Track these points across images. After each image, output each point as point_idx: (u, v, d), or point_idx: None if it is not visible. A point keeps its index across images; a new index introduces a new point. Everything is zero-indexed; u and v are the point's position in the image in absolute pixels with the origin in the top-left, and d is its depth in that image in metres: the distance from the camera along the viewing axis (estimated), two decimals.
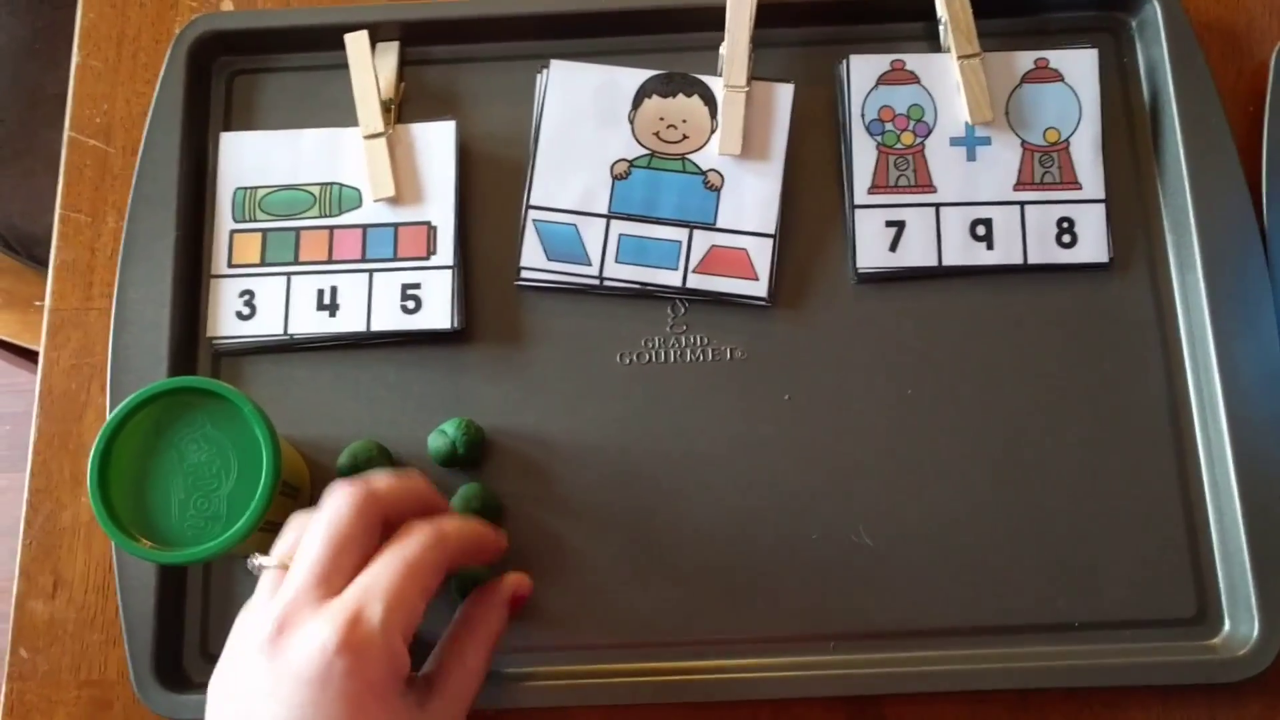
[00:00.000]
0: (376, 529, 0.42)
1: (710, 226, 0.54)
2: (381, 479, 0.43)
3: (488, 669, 0.45)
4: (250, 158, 0.56)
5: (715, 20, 0.55)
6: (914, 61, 0.56)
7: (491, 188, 0.56)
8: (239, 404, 0.45)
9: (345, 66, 0.56)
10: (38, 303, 0.95)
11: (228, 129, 0.57)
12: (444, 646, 0.45)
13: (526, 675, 0.50)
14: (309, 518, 0.42)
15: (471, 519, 0.46)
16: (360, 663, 0.38)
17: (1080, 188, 0.55)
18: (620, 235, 0.54)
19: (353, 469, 0.51)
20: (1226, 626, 0.50)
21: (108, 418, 0.45)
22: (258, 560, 0.42)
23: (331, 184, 0.56)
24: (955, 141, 0.55)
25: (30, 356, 1.02)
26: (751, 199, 0.55)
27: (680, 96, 0.56)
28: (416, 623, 0.41)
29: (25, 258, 0.90)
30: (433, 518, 0.43)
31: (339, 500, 0.41)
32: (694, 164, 0.55)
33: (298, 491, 0.50)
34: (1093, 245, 0.54)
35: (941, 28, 0.56)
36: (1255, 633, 0.49)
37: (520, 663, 0.51)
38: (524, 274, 0.54)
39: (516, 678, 0.50)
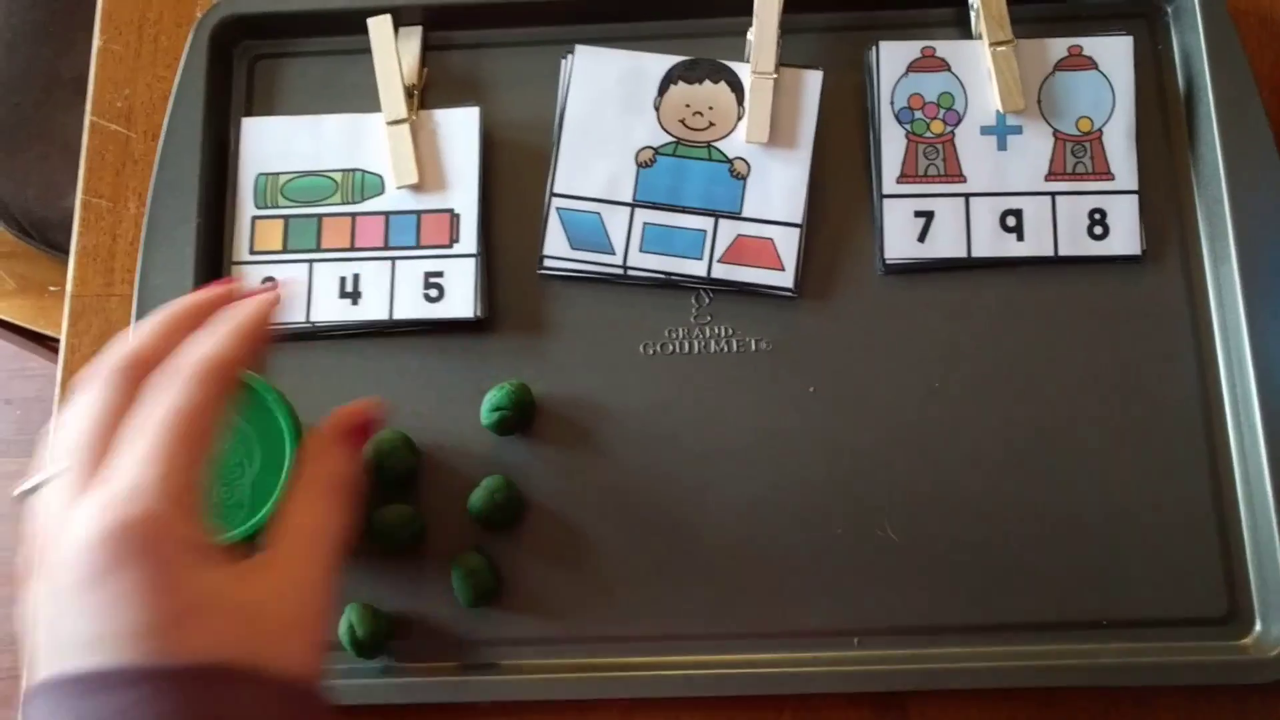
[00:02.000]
0: (131, 395, 0.35)
1: (736, 215, 0.54)
2: (132, 338, 0.37)
3: (337, 523, 0.38)
4: (272, 143, 0.56)
5: (743, 5, 0.54)
6: (945, 48, 0.55)
7: (515, 175, 0.55)
8: (261, 391, 0.44)
9: (368, 51, 0.56)
10: (53, 288, 0.95)
11: (249, 114, 0.57)
12: (277, 513, 0.39)
13: (547, 667, 0.50)
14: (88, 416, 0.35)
15: (239, 311, 0.38)
16: (137, 549, 0.32)
17: (1113, 178, 0.54)
18: (645, 224, 0.54)
19: (377, 459, 0.50)
20: (1258, 627, 0.50)
21: None
22: (22, 486, 0.37)
23: (354, 170, 0.55)
24: (986, 130, 0.54)
25: (42, 341, 1.02)
26: (778, 188, 0.54)
27: (707, 83, 0.55)
28: (196, 478, 0.34)
29: (40, 243, 0.90)
30: (188, 355, 0.36)
31: (90, 378, 0.36)
32: (720, 152, 0.54)
33: None
34: (1125, 237, 0.53)
35: (973, 14, 0.55)
36: None
37: (541, 654, 0.50)
38: (547, 263, 0.54)
39: (537, 670, 0.50)
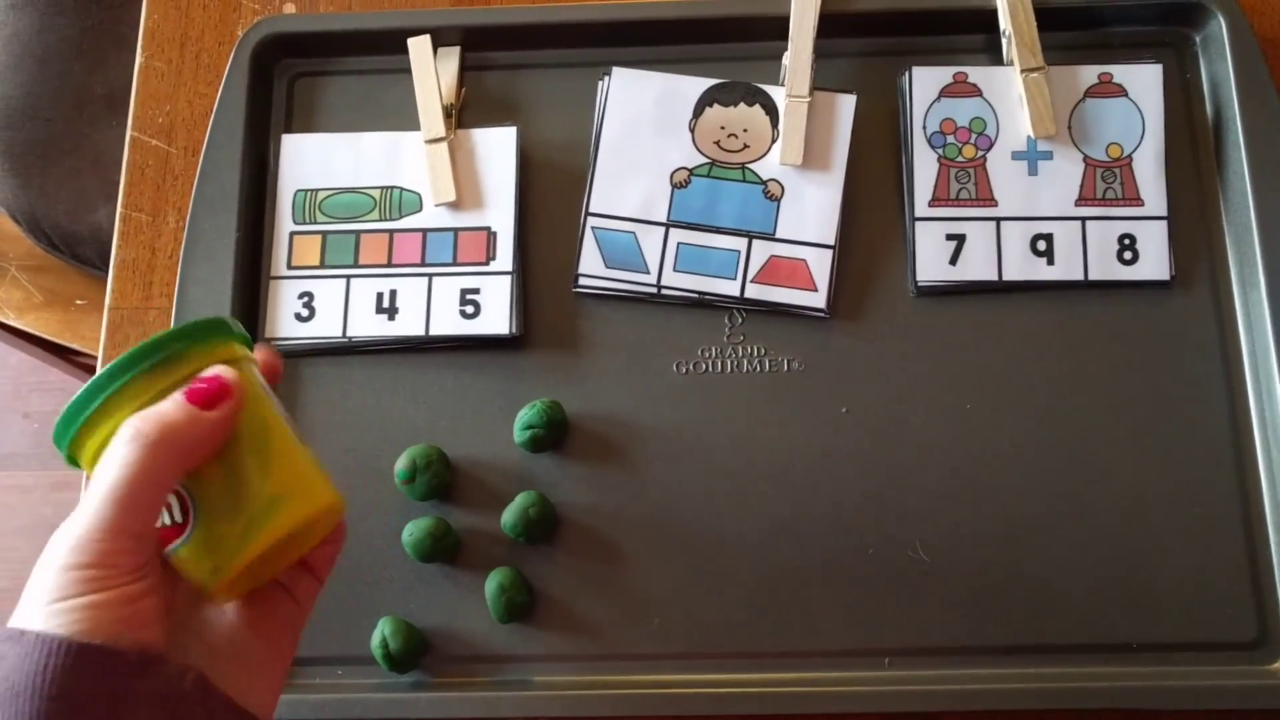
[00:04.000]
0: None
1: (770, 236, 0.54)
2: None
3: (146, 465, 0.35)
4: (311, 160, 0.56)
5: (778, 30, 0.55)
6: (977, 74, 0.56)
7: (551, 194, 0.56)
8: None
9: (407, 71, 0.56)
10: (79, 301, 0.96)
11: (289, 131, 0.58)
12: None
13: (579, 684, 0.50)
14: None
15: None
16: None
17: (1142, 204, 0.54)
18: (679, 244, 0.54)
19: (411, 473, 0.51)
20: None
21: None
22: None
23: (392, 188, 0.56)
24: (1017, 155, 0.55)
25: (65, 354, 1.03)
26: (812, 209, 0.54)
27: (742, 105, 0.56)
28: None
29: (69, 257, 0.91)
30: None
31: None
32: (754, 173, 0.55)
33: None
34: (1154, 262, 0.54)
35: (1005, 40, 0.56)
36: None
37: (573, 670, 0.50)
38: (582, 281, 0.54)
39: (569, 686, 0.50)
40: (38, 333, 0.94)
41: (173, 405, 0.36)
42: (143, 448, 0.35)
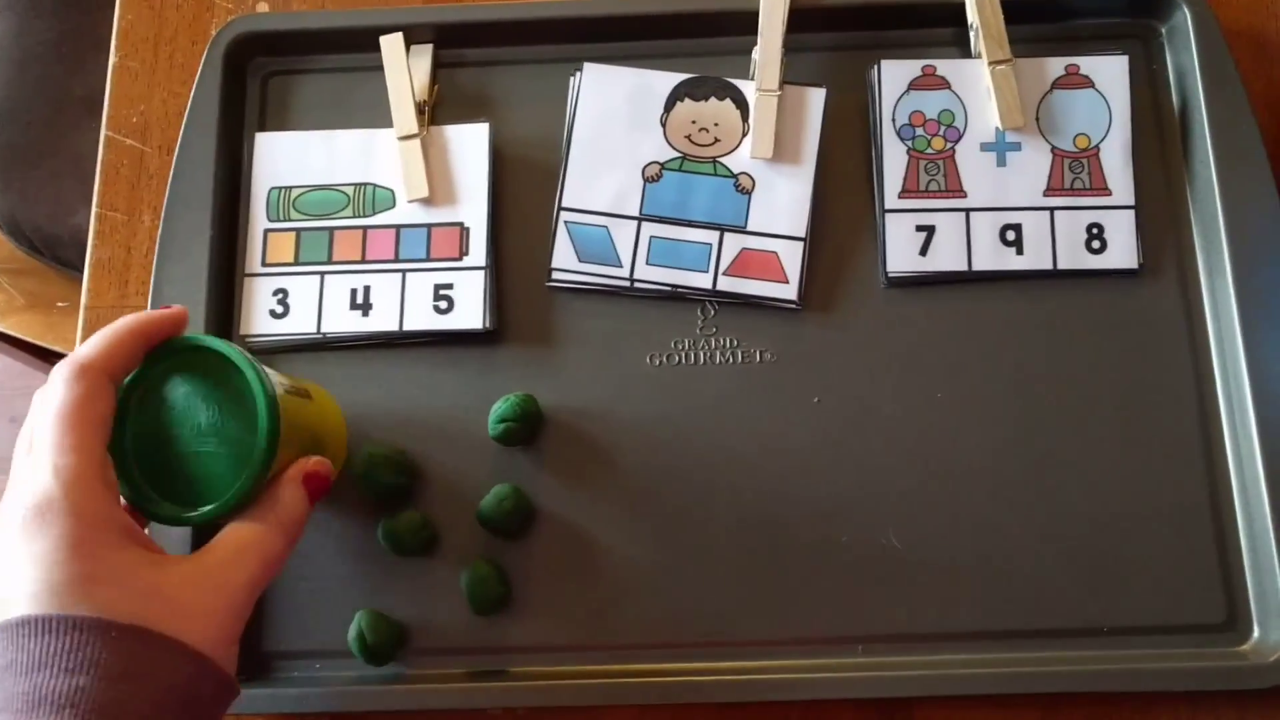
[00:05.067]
0: (105, 390, 0.41)
1: (741, 229, 0.55)
2: (89, 343, 0.42)
3: (271, 546, 0.42)
4: (285, 158, 0.57)
5: (748, 24, 0.55)
6: (945, 67, 0.56)
7: (524, 189, 0.56)
8: (230, 355, 0.43)
9: (380, 68, 0.57)
10: (61, 304, 0.96)
11: (263, 129, 0.58)
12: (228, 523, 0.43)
13: (557, 674, 0.50)
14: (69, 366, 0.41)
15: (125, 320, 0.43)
16: (40, 520, 0.37)
17: (1110, 194, 0.55)
18: (651, 237, 0.55)
19: (365, 470, 0.51)
20: (1256, 633, 0.50)
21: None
22: None
23: (365, 185, 0.56)
24: (986, 147, 0.55)
25: (49, 357, 1.03)
26: (782, 202, 0.55)
27: (712, 100, 0.56)
28: (89, 461, 0.39)
29: (50, 259, 0.91)
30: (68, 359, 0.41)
31: (53, 379, 0.41)
32: (725, 167, 0.55)
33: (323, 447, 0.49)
34: (1122, 251, 0.54)
35: (973, 33, 0.56)
36: None
37: (550, 661, 0.51)
38: (555, 275, 0.55)
39: (546, 676, 0.50)
40: (20, 336, 0.94)
41: (299, 502, 0.44)
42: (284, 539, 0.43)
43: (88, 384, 0.40)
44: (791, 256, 0.54)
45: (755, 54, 0.55)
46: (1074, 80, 0.56)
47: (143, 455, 0.43)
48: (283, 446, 0.43)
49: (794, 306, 0.54)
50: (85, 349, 0.41)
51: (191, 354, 0.44)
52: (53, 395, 0.40)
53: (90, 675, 0.35)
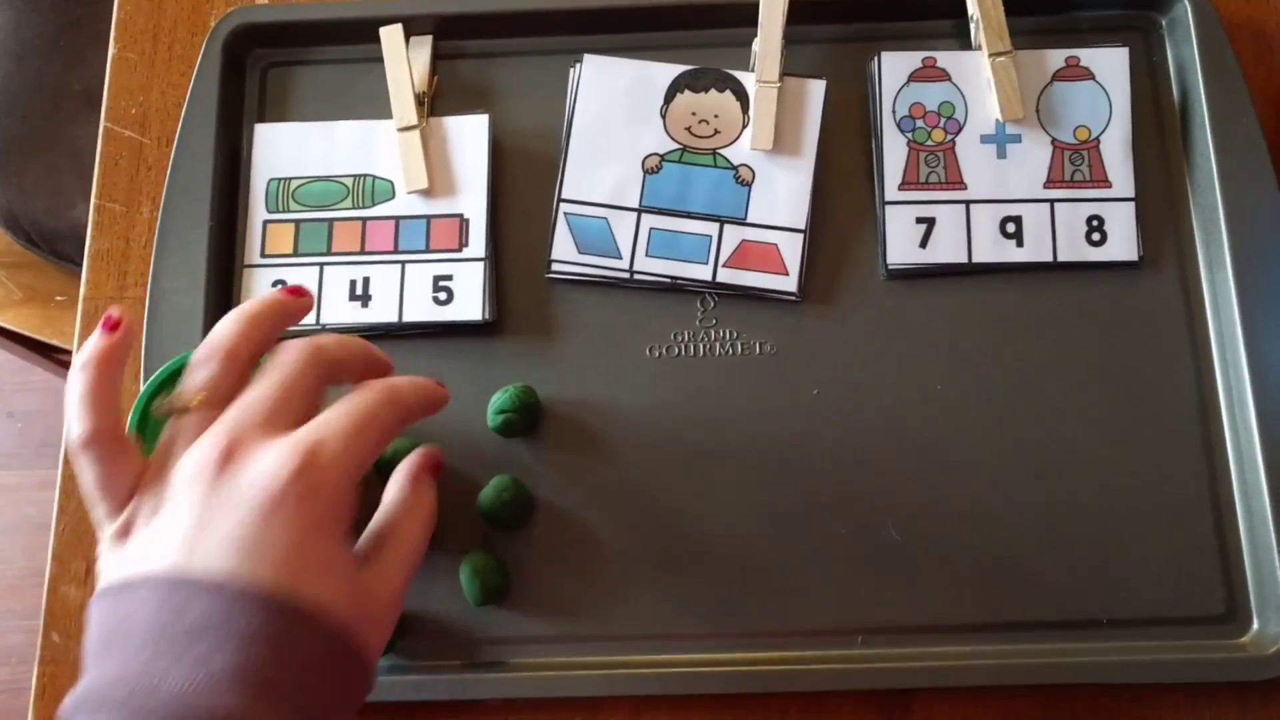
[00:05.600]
0: (321, 385, 0.41)
1: (741, 221, 0.55)
2: (328, 338, 0.42)
3: (424, 550, 0.44)
4: (284, 149, 0.56)
5: (748, 16, 0.55)
6: (945, 59, 0.56)
7: (523, 181, 0.56)
8: None
9: (379, 60, 0.57)
10: (59, 298, 0.96)
11: (262, 120, 0.58)
12: (379, 524, 0.43)
13: (556, 665, 0.50)
14: (216, 350, 0.41)
15: (419, 377, 0.44)
16: (312, 494, 0.37)
17: (1110, 186, 0.55)
18: (651, 229, 0.55)
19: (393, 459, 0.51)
20: (1255, 625, 0.50)
21: (142, 388, 0.45)
22: (177, 400, 0.40)
23: (365, 176, 0.56)
24: (986, 139, 0.55)
25: (47, 351, 1.03)
26: (782, 194, 0.55)
27: (712, 91, 0.56)
28: (362, 473, 0.40)
29: (48, 253, 0.91)
30: (385, 379, 0.43)
31: (289, 353, 0.40)
32: (725, 159, 0.55)
33: None
34: (1122, 243, 0.54)
35: (973, 25, 0.56)
36: None
37: (549, 652, 0.51)
38: (555, 267, 0.55)
39: (545, 667, 0.50)
40: (18, 330, 0.94)
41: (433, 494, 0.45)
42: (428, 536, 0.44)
43: (402, 419, 0.41)
44: (791, 248, 0.54)
45: (755, 46, 0.55)
46: (1074, 72, 0.56)
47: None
48: None
49: (794, 298, 0.54)
50: (412, 390, 0.43)
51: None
52: (379, 402, 0.40)
53: (293, 668, 0.35)
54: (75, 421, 0.38)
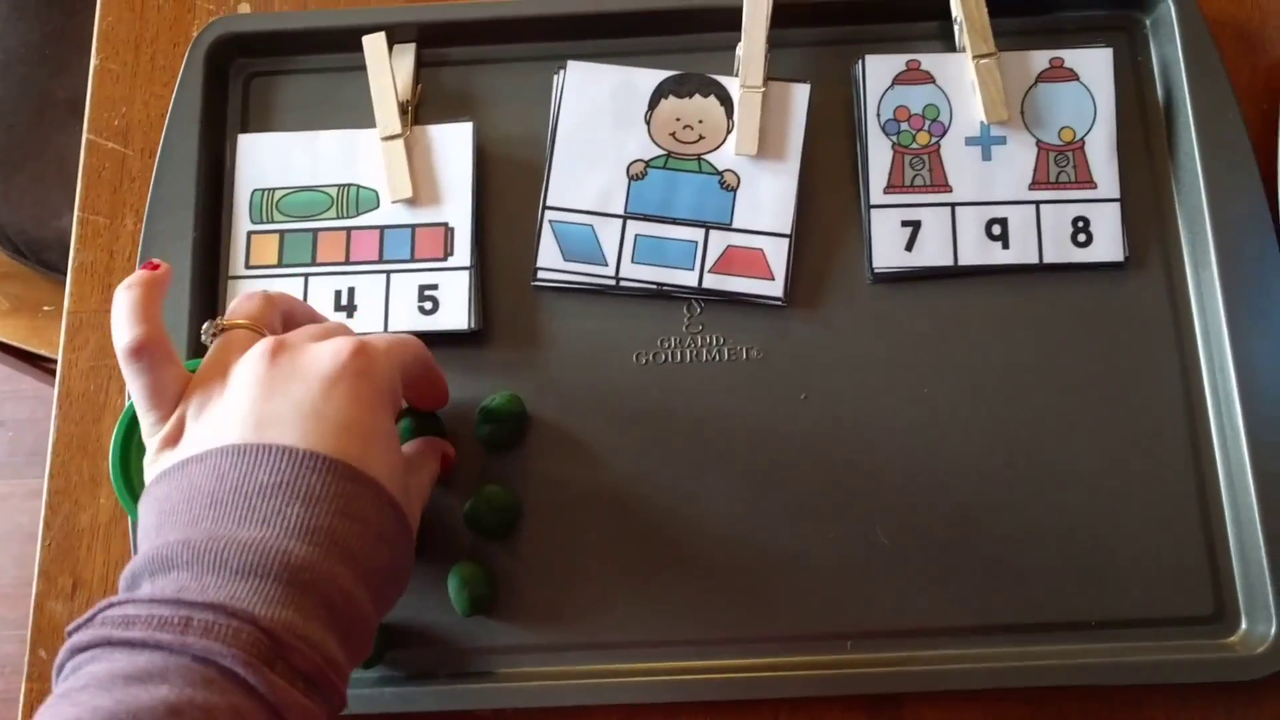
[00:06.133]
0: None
1: (726, 226, 0.55)
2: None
3: (433, 488, 0.49)
4: (268, 159, 0.56)
5: (731, 21, 0.55)
6: (929, 61, 0.56)
7: (508, 189, 0.56)
8: None
9: (362, 68, 0.56)
10: (46, 308, 0.95)
11: (245, 131, 0.58)
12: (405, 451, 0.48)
13: (545, 674, 0.50)
14: (255, 291, 0.45)
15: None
16: (368, 372, 0.40)
17: (1095, 187, 0.55)
18: (636, 235, 0.55)
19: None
20: (1244, 625, 0.50)
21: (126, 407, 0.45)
22: (226, 321, 0.43)
23: (349, 185, 0.56)
24: (971, 141, 0.55)
25: (35, 361, 1.02)
26: (768, 199, 0.55)
27: (696, 97, 0.56)
28: (403, 377, 0.43)
29: (34, 263, 0.91)
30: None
31: (335, 324, 0.45)
32: (710, 164, 0.55)
33: None
34: (1108, 244, 0.54)
35: (957, 27, 0.56)
36: (1273, 631, 0.49)
37: (538, 661, 0.51)
38: (540, 274, 0.55)
39: (535, 676, 0.50)
40: (4, 340, 0.93)
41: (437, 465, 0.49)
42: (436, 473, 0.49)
43: (420, 367, 0.46)
44: (777, 253, 0.54)
45: (739, 50, 0.55)
46: (1059, 73, 0.56)
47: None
48: None
49: (780, 303, 0.54)
50: (417, 349, 0.46)
51: None
52: (408, 340, 0.45)
53: (357, 528, 0.38)
54: (126, 330, 0.40)
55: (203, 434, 0.39)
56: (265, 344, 0.41)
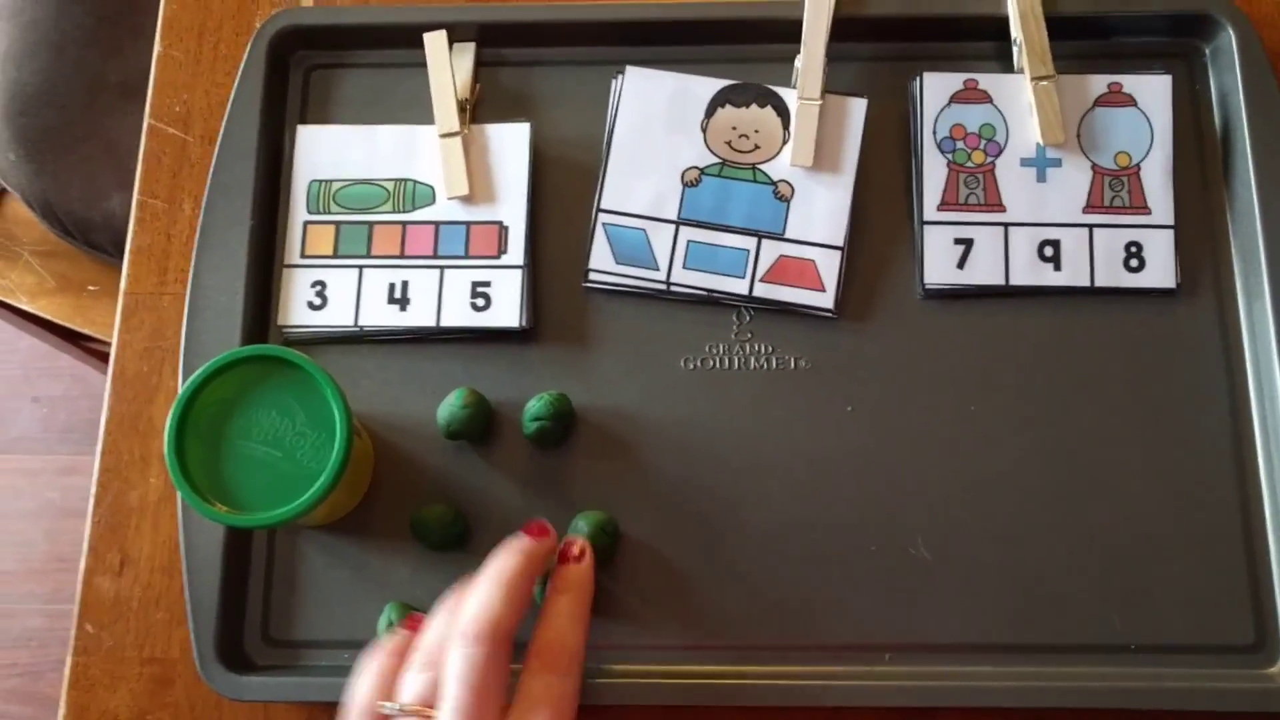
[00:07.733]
0: (508, 657, 0.43)
1: (779, 236, 0.55)
2: (486, 598, 0.43)
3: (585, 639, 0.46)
4: (326, 151, 0.57)
5: (791, 32, 0.56)
6: (987, 81, 0.56)
7: (563, 190, 0.57)
8: (311, 371, 0.46)
9: (422, 65, 0.57)
10: (91, 287, 0.96)
11: (304, 122, 0.58)
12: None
13: (585, 673, 0.50)
14: (427, 650, 0.44)
15: (572, 585, 0.47)
16: None
17: (1149, 212, 0.55)
18: (689, 241, 0.55)
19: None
20: None
21: (181, 389, 0.46)
22: (388, 705, 0.43)
23: (406, 180, 0.56)
24: (1026, 162, 0.55)
25: (76, 340, 1.03)
26: (821, 210, 0.55)
27: (754, 107, 0.56)
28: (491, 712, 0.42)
29: (82, 243, 0.92)
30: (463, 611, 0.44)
31: (470, 645, 0.42)
32: (765, 174, 0.56)
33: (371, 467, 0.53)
34: (1160, 270, 0.54)
35: (1015, 49, 0.56)
36: None
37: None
38: (592, 276, 0.55)
39: None
40: (49, 317, 0.94)
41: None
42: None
43: (496, 644, 0.42)
44: (829, 265, 0.55)
45: (798, 62, 0.56)
46: (1116, 98, 0.56)
47: (198, 443, 0.46)
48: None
49: (830, 315, 0.54)
50: (495, 607, 0.43)
51: (276, 364, 0.47)
52: (461, 660, 0.42)
53: None
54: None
55: None
56: None
